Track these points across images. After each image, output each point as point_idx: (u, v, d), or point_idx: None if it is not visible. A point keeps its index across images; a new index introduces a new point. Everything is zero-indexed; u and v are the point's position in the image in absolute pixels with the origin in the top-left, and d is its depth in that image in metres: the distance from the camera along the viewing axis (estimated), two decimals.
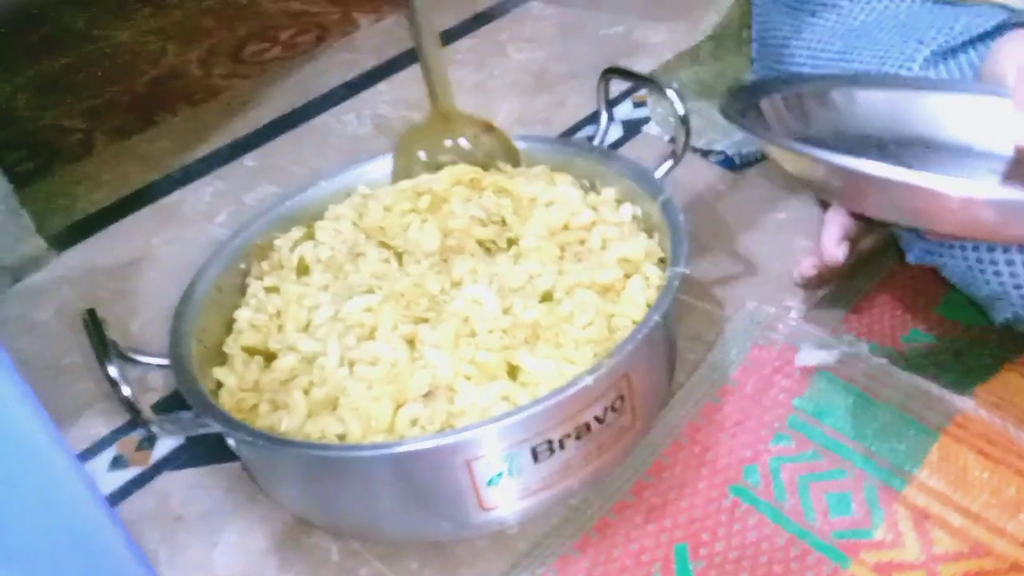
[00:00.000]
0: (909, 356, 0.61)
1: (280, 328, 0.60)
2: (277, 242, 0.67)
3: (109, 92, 1.24)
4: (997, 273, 0.55)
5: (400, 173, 0.72)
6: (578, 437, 0.51)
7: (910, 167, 0.48)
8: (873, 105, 0.57)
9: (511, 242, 0.64)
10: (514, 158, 0.71)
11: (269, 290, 0.63)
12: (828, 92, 0.58)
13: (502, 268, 0.61)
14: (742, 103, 0.54)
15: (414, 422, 0.52)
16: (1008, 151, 0.52)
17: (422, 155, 0.72)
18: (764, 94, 0.57)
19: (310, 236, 0.68)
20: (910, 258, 0.61)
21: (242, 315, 0.62)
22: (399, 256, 0.64)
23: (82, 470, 0.39)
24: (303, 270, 0.65)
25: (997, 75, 0.53)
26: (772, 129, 0.55)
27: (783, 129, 0.56)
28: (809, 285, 0.67)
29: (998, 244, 0.53)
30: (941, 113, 0.56)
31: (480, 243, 0.63)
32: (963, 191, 0.39)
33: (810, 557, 0.51)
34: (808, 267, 0.65)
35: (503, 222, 0.65)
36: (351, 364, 0.56)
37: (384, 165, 0.73)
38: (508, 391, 0.52)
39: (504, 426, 0.49)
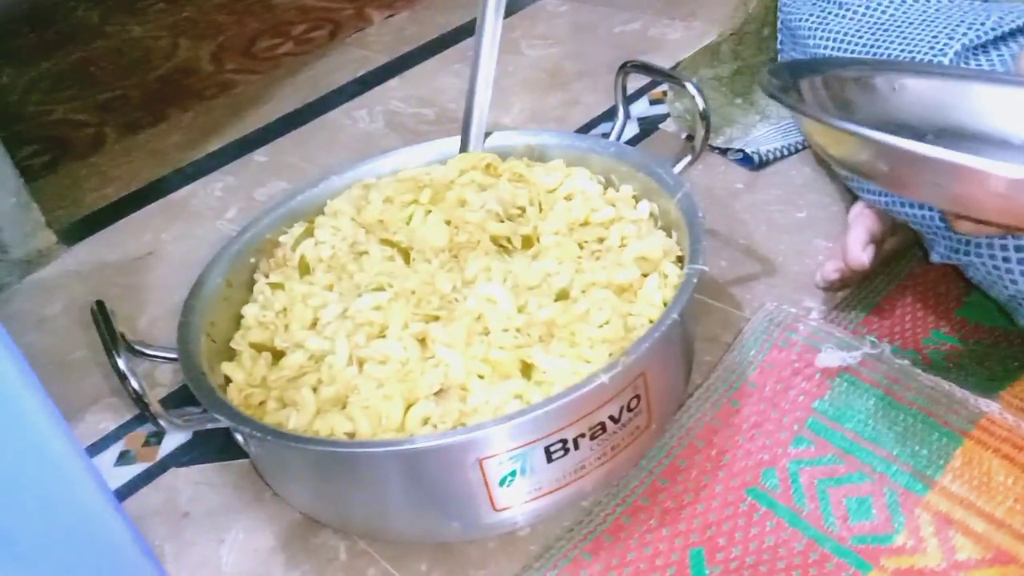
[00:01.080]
0: (931, 358, 0.60)
1: (286, 327, 0.60)
2: (282, 238, 0.66)
3: (121, 87, 1.24)
4: None
5: None
6: (592, 437, 0.50)
7: None
8: (916, 93, 0.56)
9: (527, 241, 0.62)
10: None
11: (274, 287, 0.63)
12: (871, 77, 0.57)
13: (518, 266, 0.59)
14: (782, 82, 0.53)
15: (425, 420, 0.51)
16: None
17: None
18: (804, 75, 0.55)
19: (310, 232, 0.67)
20: (934, 257, 0.59)
21: (249, 311, 0.62)
22: (404, 253, 0.62)
23: (90, 465, 0.38)
24: (305, 269, 0.64)
25: None
26: (810, 108, 0.54)
27: (823, 110, 0.54)
28: (830, 288, 0.66)
29: None
30: (981, 104, 0.54)
31: (494, 239, 0.62)
32: (1013, 173, 0.38)
33: (829, 563, 0.50)
34: (831, 271, 0.63)
35: (523, 211, 0.64)
36: (361, 363, 0.55)
37: (394, 161, 0.72)
38: (521, 389, 0.51)
39: (517, 424, 0.48)
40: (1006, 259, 0.54)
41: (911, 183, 0.44)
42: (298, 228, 0.67)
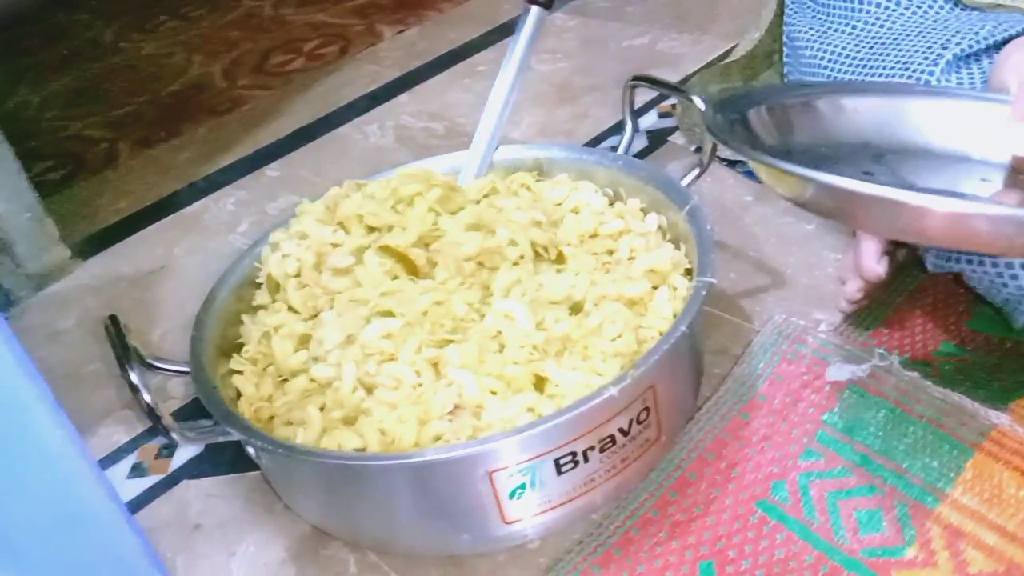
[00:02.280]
0: (941, 371, 0.60)
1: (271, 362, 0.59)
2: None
3: (134, 103, 1.25)
4: (1014, 277, 0.53)
5: None
6: (602, 449, 0.50)
7: (904, 178, 0.46)
8: (867, 112, 0.56)
9: (560, 253, 0.61)
10: None
11: (253, 310, 0.62)
12: (815, 101, 0.56)
13: (546, 278, 0.59)
14: (728, 115, 0.53)
15: (438, 438, 0.51)
16: (1006, 160, 0.51)
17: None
18: (752, 105, 0.55)
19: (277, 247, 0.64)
20: (928, 266, 0.59)
21: (244, 332, 0.62)
22: (406, 262, 0.60)
23: (103, 477, 0.39)
24: (275, 288, 0.62)
25: (1003, 83, 0.52)
26: (759, 142, 0.53)
27: (772, 141, 0.54)
28: (855, 307, 0.65)
29: None
30: (940, 120, 0.54)
31: (532, 247, 0.60)
32: (949, 207, 0.38)
33: None
34: (854, 291, 0.62)
35: (556, 225, 0.63)
36: (370, 388, 0.54)
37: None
38: (534, 402, 0.52)
39: (527, 437, 0.48)
40: (995, 264, 0.53)
41: (860, 219, 0.44)
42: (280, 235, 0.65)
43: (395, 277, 0.60)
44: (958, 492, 0.52)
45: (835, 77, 0.66)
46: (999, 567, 0.48)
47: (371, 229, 0.63)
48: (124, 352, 0.51)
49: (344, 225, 0.63)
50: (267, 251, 0.65)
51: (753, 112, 0.54)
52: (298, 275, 0.61)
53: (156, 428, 0.50)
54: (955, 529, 0.50)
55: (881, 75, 0.62)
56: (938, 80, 0.58)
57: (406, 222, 0.61)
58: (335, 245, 0.62)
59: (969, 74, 0.58)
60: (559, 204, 0.65)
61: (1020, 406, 0.55)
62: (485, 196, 0.67)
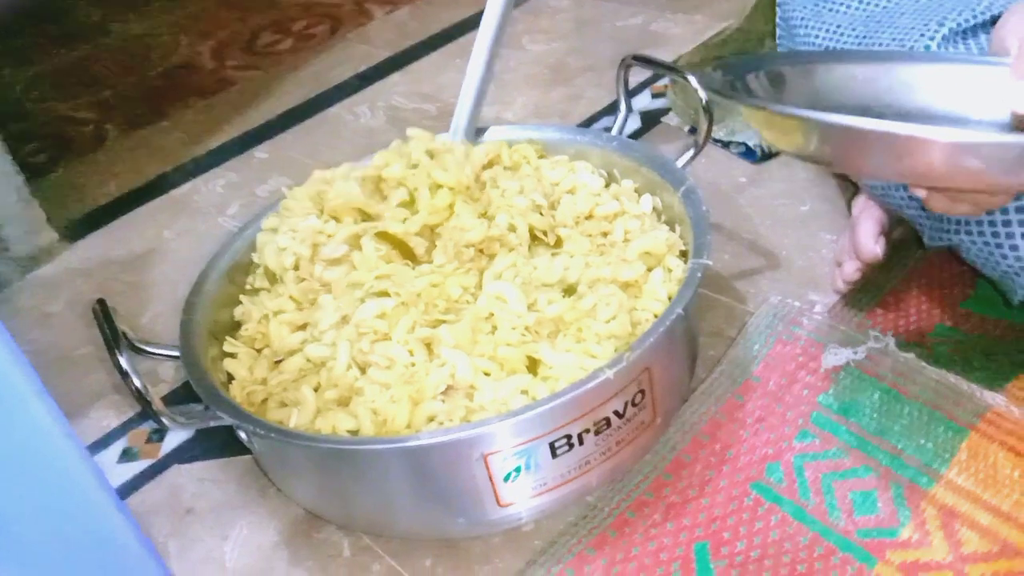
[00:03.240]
0: (936, 352, 0.59)
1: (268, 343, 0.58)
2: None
3: (122, 84, 1.24)
4: (1014, 247, 0.53)
5: None
6: (597, 432, 0.50)
7: None
8: (866, 79, 0.56)
9: (558, 237, 0.61)
10: None
11: (253, 292, 0.62)
12: (813, 68, 0.56)
13: (541, 262, 0.58)
14: (727, 78, 0.53)
15: (431, 419, 0.51)
16: (1006, 120, 0.50)
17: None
18: (750, 70, 0.55)
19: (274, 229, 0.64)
20: (925, 240, 0.59)
21: (243, 312, 0.61)
22: (402, 246, 0.59)
23: (92, 463, 0.38)
24: (272, 278, 0.62)
25: (1002, 45, 0.51)
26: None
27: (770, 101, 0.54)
28: (851, 288, 0.65)
29: (1013, 219, 0.52)
30: (939, 84, 0.54)
31: (531, 231, 0.60)
32: (950, 137, 0.39)
33: (834, 557, 0.50)
34: (852, 272, 0.62)
35: (553, 207, 0.62)
36: (363, 367, 0.54)
37: None
38: (527, 385, 0.51)
39: (522, 420, 0.47)
40: (995, 234, 0.53)
41: (860, 162, 0.44)
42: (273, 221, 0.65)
43: (390, 263, 0.59)
44: (953, 473, 0.52)
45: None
46: (993, 547, 0.48)
47: (365, 215, 0.62)
48: (113, 336, 0.51)
49: (336, 214, 0.63)
50: (261, 239, 0.64)
51: (752, 76, 0.53)
52: (296, 268, 0.61)
53: (146, 413, 0.50)
54: (950, 510, 0.50)
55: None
56: None
57: (413, 207, 0.61)
58: (327, 235, 0.61)
59: (967, 48, 0.57)
60: (556, 184, 0.65)
61: (1015, 387, 0.55)
62: (490, 163, 0.66)
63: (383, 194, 0.64)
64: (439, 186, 0.62)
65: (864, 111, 0.53)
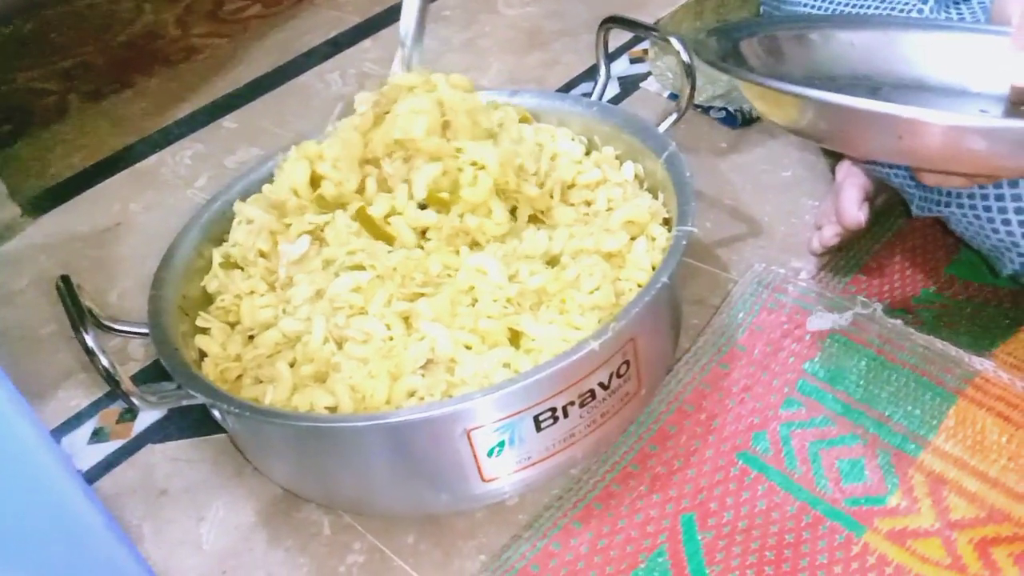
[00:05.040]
0: (922, 317, 0.59)
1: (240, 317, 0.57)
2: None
3: (83, 53, 1.20)
4: (1006, 221, 0.52)
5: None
6: (582, 404, 0.49)
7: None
8: (863, 46, 0.55)
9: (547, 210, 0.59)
10: None
11: (227, 266, 0.59)
12: (809, 34, 0.55)
13: (526, 234, 0.57)
14: (721, 45, 0.52)
15: (412, 394, 0.50)
16: (1004, 91, 0.50)
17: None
18: (743, 37, 0.54)
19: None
20: (913, 209, 0.58)
21: (212, 286, 0.59)
22: (373, 227, 0.57)
23: (54, 445, 0.37)
24: (231, 266, 0.60)
25: (1004, 14, 0.50)
26: (753, 72, 0.52)
27: (765, 73, 0.53)
28: (827, 252, 0.64)
29: (1006, 192, 0.51)
30: (937, 53, 0.54)
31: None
32: (946, 120, 0.38)
33: (822, 526, 0.49)
34: (831, 236, 0.61)
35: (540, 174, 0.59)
36: (340, 342, 0.53)
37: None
38: (510, 358, 0.50)
39: (505, 394, 0.46)
40: (987, 208, 0.52)
41: (856, 140, 0.44)
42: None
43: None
44: (941, 439, 0.51)
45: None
46: (981, 513, 0.48)
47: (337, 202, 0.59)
48: (78, 314, 0.49)
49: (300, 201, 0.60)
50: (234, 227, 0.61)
51: (746, 43, 0.52)
52: (264, 256, 0.59)
53: (115, 393, 0.48)
54: (938, 476, 0.50)
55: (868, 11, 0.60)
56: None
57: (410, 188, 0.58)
58: (285, 225, 0.59)
59: (959, 14, 0.56)
60: (541, 147, 0.63)
61: (1003, 351, 0.55)
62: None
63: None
64: (481, 168, 0.57)
65: (862, 81, 0.52)
